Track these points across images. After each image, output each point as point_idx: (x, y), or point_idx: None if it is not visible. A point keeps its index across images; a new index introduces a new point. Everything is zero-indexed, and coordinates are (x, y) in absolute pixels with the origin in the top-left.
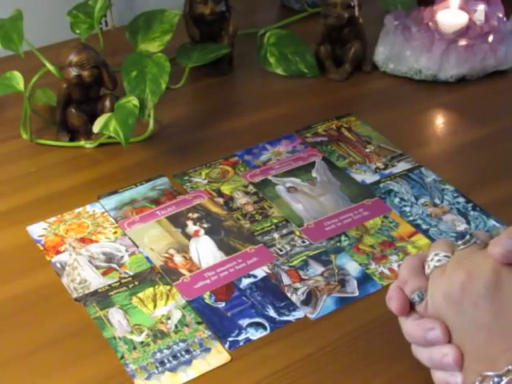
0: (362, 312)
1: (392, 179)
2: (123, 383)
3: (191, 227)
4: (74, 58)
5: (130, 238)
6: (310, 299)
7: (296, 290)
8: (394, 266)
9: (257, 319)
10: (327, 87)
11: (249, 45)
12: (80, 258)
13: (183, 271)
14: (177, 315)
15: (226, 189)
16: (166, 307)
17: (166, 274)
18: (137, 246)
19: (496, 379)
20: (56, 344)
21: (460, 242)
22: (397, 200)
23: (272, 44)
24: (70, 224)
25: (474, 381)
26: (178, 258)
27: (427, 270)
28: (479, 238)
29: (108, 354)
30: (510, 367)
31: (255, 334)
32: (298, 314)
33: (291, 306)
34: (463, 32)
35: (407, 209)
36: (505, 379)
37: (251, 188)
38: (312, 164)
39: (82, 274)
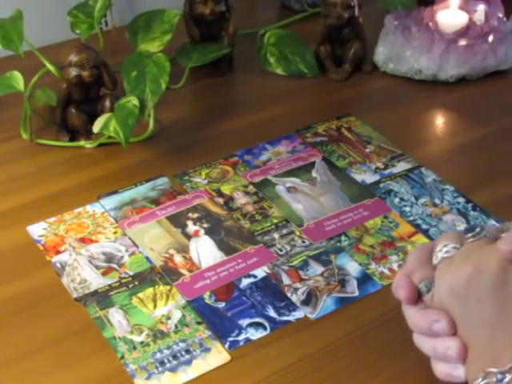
0: (361, 312)
1: (392, 179)
2: (123, 383)
3: (191, 227)
4: (74, 58)
5: (130, 238)
6: (309, 299)
7: (296, 290)
8: (394, 266)
9: (257, 319)
10: (327, 87)
11: (249, 45)
12: (80, 257)
13: (183, 271)
14: (177, 315)
15: (226, 189)
16: (165, 307)
17: (166, 274)
18: (137, 246)
19: (499, 376)
20: (56, 344)
21: (470, 235)
22: (397, 200)
23: (272, 44)
24: (69, 224)
25: (477, 376)
26: (178, 258)
27: (435, 261)
28: (489, 232)
29: (108, 354)
30: None
31: (255, 334)
32: (298, 314)
33: (291, 306)
34: (463, 32)
35: (407, 209)
36: (508, 376)
37: (251, 188)
38: (312, 164)
39: (82, 273)
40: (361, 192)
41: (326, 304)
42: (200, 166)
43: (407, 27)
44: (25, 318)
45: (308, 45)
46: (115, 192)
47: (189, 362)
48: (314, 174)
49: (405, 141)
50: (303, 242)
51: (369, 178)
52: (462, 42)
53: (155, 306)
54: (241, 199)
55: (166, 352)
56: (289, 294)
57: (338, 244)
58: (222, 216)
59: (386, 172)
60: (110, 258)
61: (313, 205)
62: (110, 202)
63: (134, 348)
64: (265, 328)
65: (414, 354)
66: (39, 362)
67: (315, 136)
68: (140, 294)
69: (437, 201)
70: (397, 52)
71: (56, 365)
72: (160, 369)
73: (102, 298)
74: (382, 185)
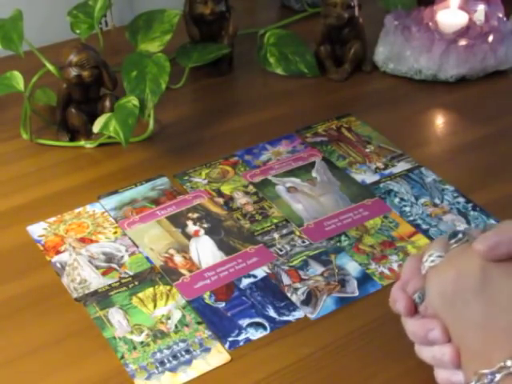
0: (361, 312)
1: (392, 179)
2: (123, 383)
3: (191, 227)
4: (74, 58)
5: (130, 238)
6: (310, 299)
7: (296, 290)
8: (394, 266)
9: (257, 319)
10: (327, 87)
11: (249, 45)
12: (80, 257)
13: (183, 271)
14: (177, 315)
15: (225, 189)
16: (165, 307)
17: (166, 274)
18: (137, 246)
19: (490, 377)
20: (56, 344)
21: (452, 241)
22: (397, 200)
23: (272, 44)
24: (70, 224)
25: (471, 379)
26: (178, 258)
27: (423, 271)
28: (472, 236)
29: (108, 354)
30: (502, 364)
31: (255, 334)
32: (298, 314)
33: (291, 306)
34: (463, 32)
35: (407, 209)
36: (498, 376)
37: (251, 188)
38: (312, 164)
39: (82, 274)
40: (361, 192)
41: (326, 304)
42: (200, 166)
43: (407, 27)
44: (25, 317)
45: (308, 45)
46: (115, 192)
47: (189, 362)
48: (313, 174)
49: (405, 141)
50: (303, 241)
51: (369, 177)
52: (462, 42)
53: (155, 306)
54: (241, 199)
55: (166, 352)
56: (289, 294)
57: (338, 244)
58: (222, 216)
59: (386, 172)
60: (109, 257)
61: (313, 205)
62: (110, 202)
63: (134, 348)
64: (265, 328)
65: (414, 354)
66: (39, 361)
67: (315, 136)
68: (140, 294)
69: (437, 201)
70: (397, 52)
71: (56, 365)
72: (160, 369)
73: (102, 298)
74: (381, 185)
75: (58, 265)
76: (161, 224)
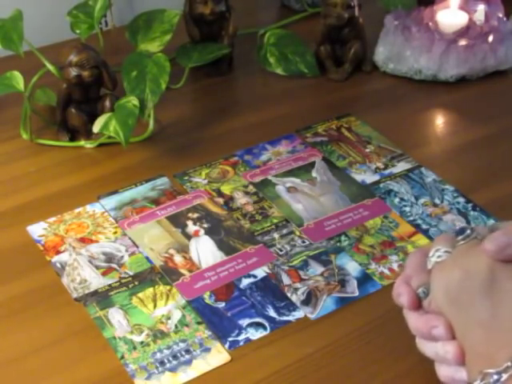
0: (361, 312)
1: (392, 179)
2: (123, 383)
3: (191, 227)
4: (74, 58)
5: (130, 238)
6: (310, 299)
7: (296, 290)
8: (394, 266)
9: (257, 319)
10: (327, 87)
11: (249, 45)
12: (80, 257)
13: (183, 271)
14: (177, 315)
15: (226, 189)
16: (165, 307)
17: (166, 274)
18: (137, 246)
19: (496, 376)
20: (56, 344)
21: (460, 238)
22: (397, 200)
23: (272, 44)
24: (70, 224)
25: (476, 378)
26: (178, 258)
27: (428, 266)
28: (480, 233)
29: (108, 354)
30: (509, 364)
31: (255, 334)
32: (298, 314)
33: (291, 306)
34: (463, 32)
35: (407, 209)
36: (504, 376)
37: (251, 188)
38: (312, 164)
39: (82, 273)
40: (361, 192)
41: (326, 304)
42: (200, 166)
43: (407, 27)
44: (25, 317)
45: (308, 45)
46: (115, 192)
47: (189, 362)
48: (313, 174)
49: (405, 141)
50: (303, 242)
51: (369, 177)
52: (462, 42)
53: (155, 306)
54: (241, 199)
55: (166, 352)
56: (289, 294)
57: (338, 244)
58: (222, 216)
59: (386, 172)
60: (109, 257)
61: (313, 205)
62: (110, 202)
63: (134, 348)
64: (265, 328)
65: (414, 353)
66: (39, 362)
67: (315, 136)
68: (140, 294)
69: (437, 201)
70: (397, 52)
71: (56, 365)
72: (160, 369)
73: (102, 298)
74: (381, 185)
75: (58, 265)
76: (161, 224)
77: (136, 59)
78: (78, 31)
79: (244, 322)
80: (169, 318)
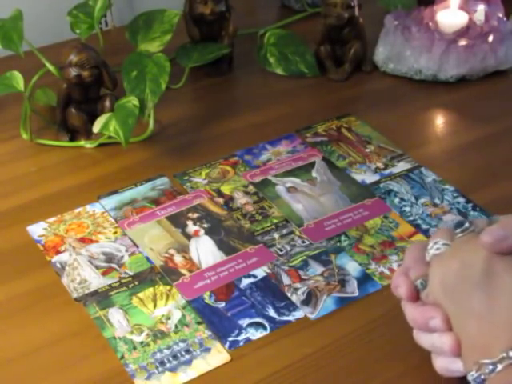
0: (361, 312)
1: (392, 179)
2: (123, 383)
3: (191, 227)
4: (74, 58)
5: (130, 238)
6: (310, 299)
7: (296, 290)
8: (394, 266)
9: (257, 319)
10: (327, 87)
11: (249, 45)
12: (80, 258)
13: (183, 271)
14: (177, 315)
15: (226, 189)
16: (165, 307)
17: (166, 274)
18: (137, 246)
19: (491, 367)
20: (56, 344)
21: (458, 231)
22: (397, 200)
23: (272, 44)
24: (70, 224)
25: (471, 369)
26: (178, 258)
27: (427, 258)
28: (478, 226)
29: (108, 354)
30: (504, 354)
31: (255, 334)
32: (298, 314)
33: (291, 306)
34: (463, 32)
35: (407, 209)
36: (499, 366)
37: (251, 188)
38: (312, 164)
39: (82, 274)
40: (361, 192)
41: (326, 304)
42: (200, 166)
43: (407, 27)
44: (25, 317)
45: (308, 45)
46: (115, 192)
47: (189, 362)
48: (313, 174)
49: (405, 141)
50: (303, 242)
51: (369, 177)
52: (462, 42)
53: (155, 306)
54: (241, 199)
55: (166, 352)
56: (289, 294)
57: (338, 244)
58: (222, 216)
59: (386, 172)
60: (110, 258)
61: (313, 205)
62: (110, 202)
63: (134, 348)
64: (265, 328)
65: (413, 354)
66: (39, 362)
67: (315, 136)
68: (140, 294)
69: (437, 201)
70: (397, 52)
71: (56, 365)
72: (160, 369)
73: (102, 298)
74: (381, 185)
75: (58, 265)
76: (161, 224)
77: (136, 59)
78: (78, 31)
79: (244, 321)
80: (169, 318)
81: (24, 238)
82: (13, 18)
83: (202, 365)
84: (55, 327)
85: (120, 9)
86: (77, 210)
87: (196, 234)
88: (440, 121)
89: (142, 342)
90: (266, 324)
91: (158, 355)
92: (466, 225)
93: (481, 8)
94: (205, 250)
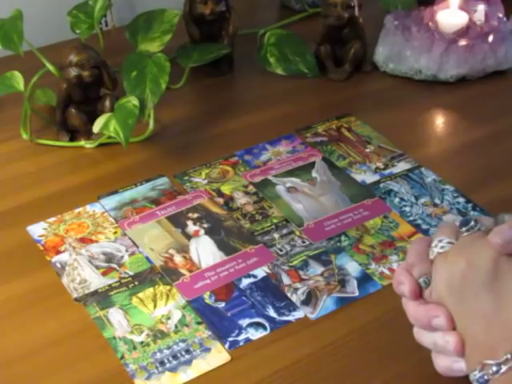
0: (361, 312)
1: (392, 179)
2: (123, 383)
3: (191, 227)
4: (74, 58)
5: (130, 238)
6: (309, 299)
7: (296, 290)
8: (394, 266)
9: (257, 319)
10: (327, 87)
11: (249, 45)
12: (80, 257)
13: (183, 271)
14: (177, 315)
15: (226, 189)
16: (165, 307)
17: (166, 274)
18: (137, 246)
19: (495, 368)
20: (56, 344)
21: (464, 229)
22: (397, 200)
23: (272, 44)
24: (70, 224)
25: (475, 368)
26: (178, 258)
27: (431, 256)
28: (484, 225)
29: (108, 354)
30: (508, 356)
31: (255, 334)
32: (298, 314)
33: (291, 306)
34: (463, 32)
35: (407, 209)
36: (504, 367)
37: (251, 188)
38: (312, 164)
39: (82, 274)
40: (361, 192)
41: (326, 304)
42: (200, 165)
43: (407, 27)
44: (25, 317)
45: (308, 45)
46: (115, 192)
47: (189, 362)
48: (313, 174)
49: (405, 141)
50: (303, 241)
51: (369, 178)
52: (462, 42)
53: (155, 306)
54: (241, 199)
55: (166, 352)
56: (289, 294)
57: (338, 244)
58: (222, 216)
59: (386, 172)
60: (110, 257)
61: (313, 205)
62: (110, 202)
63: (134, 348)
64: (265, 328)
65: (413, 354)
66: (39, 362)
67: (315, 136)
68: (140, 294)
69: (437, 201)
70: (397, 52)
71: (56, 365)
72: (160, 369)
73: (102, 298)
74: (381, 185)
75: (58, 265)
76: (161, 224)
77: (136, 59)
78: (78, 31)
79: (244, 322)
80: (169, 318)
81: (24, 237)
82: (13, 18)
83: (202, 365)
84: (55, 327)
85: (120, 9)
86: (77, 210)
87: (196, 234)
88: (440, 121)
89: (141, 342)
90: (266, 324)
91: (158, 355)
92: (472, 223)
93: (481, 8)
94: (205, 250)
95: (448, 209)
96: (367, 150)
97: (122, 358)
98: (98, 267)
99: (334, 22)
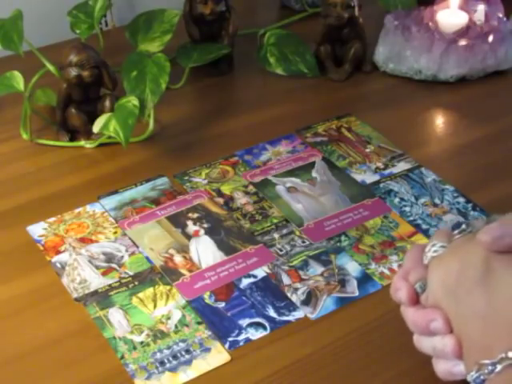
0: (362, 312)
1: (392, 179)
2: (123, 383)
3: (191, 227)
4: (74, 58)
5: (130, 238)
6: (309, 299)
7: (296, 290)
8: (394, 266)
9: (257, 319)
10: (327, 87)
11: (249, 45)
12: (80, 257)
13: (183, 271)
14: (177, 315)
15: (226, 189)
16: (165, 307)
17: (166, 274)
18: (137, 246)
19: (490, 367)
20: (56, 344)
21: (456, 232)
22: (397, 200)
23: (272, 44)
24: (70, 224)
25: (472, 369)
26: (178, 258)
27: (425, 261)
28: (475, 227)
29: (108, 354)
30: (503, 355)
31: (255, 334)
32: (298, 314)
33: (291, 306)
34: (463, 32)
35: (407, 209)
36: (499, 367)
37: (251, 188)
38: (312, 164)
39: (82, 274)
40: (361, 192)
41: (326, 304)
42: (200, 165)
43: (407, 27)
44: (25, 317)
45: (308, 45)
46: (115, 192)
47: (189, 362)
48: (313, 174)
49: (405, 141)
50: (303, 242)
51: (369, 177)
52: (462, 42)
53: (155, 306)
54: (241, 199)
55: (166, 352)
56: (289, 294)
57: (338, 244)
58: (222, 216)
59: (386, 172)
60: (110, 257)
61: (313, 205)
62: (110, 202)
63: (134, 348)
64: (265, 328)
65: (413, 354)
66: (39, 362)
67: (315, 136)
68: (140, 294)
69: (437, 201)
70: (397, 52)
71: (56, 365)
72: (160, 369)
73: (102, 298)
74: (381, 185)
75: (58, 265)
76: (161, 224)
77: (136, 59)
78: (78, 31)
79: (244, 322)
80: (169, 318)
81: (24, 237)
82: (13, 18)
83: (202, 365)
84: (55, 327)
85: (120, 9)
86: (77, 210)
87: (196, 234)
88: (440, 121)
89: (141, 342)
90: (266, 324)
91: (158, 355)
92: (463, 226)
93: (481, 8)
94: (205, 250)
95: (448, 209)
96: (367, 150)
97: (122, 357)
98: (97, 267)
99: (334, 22)
